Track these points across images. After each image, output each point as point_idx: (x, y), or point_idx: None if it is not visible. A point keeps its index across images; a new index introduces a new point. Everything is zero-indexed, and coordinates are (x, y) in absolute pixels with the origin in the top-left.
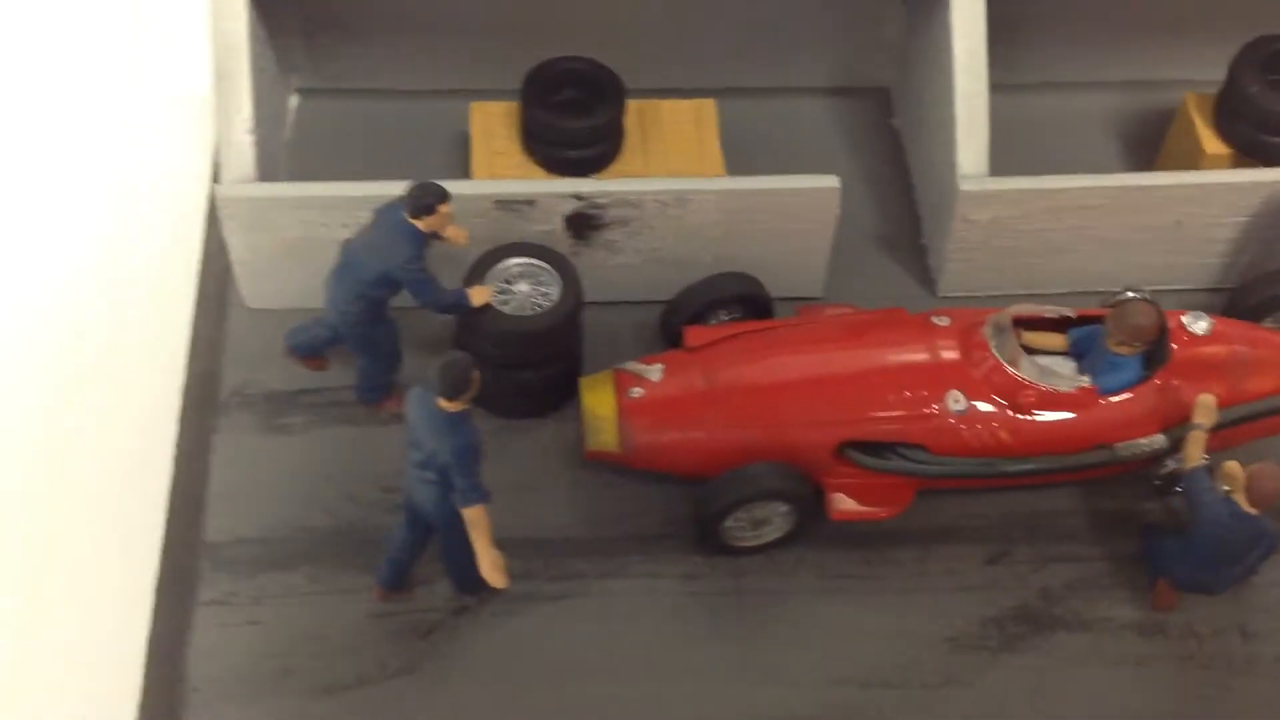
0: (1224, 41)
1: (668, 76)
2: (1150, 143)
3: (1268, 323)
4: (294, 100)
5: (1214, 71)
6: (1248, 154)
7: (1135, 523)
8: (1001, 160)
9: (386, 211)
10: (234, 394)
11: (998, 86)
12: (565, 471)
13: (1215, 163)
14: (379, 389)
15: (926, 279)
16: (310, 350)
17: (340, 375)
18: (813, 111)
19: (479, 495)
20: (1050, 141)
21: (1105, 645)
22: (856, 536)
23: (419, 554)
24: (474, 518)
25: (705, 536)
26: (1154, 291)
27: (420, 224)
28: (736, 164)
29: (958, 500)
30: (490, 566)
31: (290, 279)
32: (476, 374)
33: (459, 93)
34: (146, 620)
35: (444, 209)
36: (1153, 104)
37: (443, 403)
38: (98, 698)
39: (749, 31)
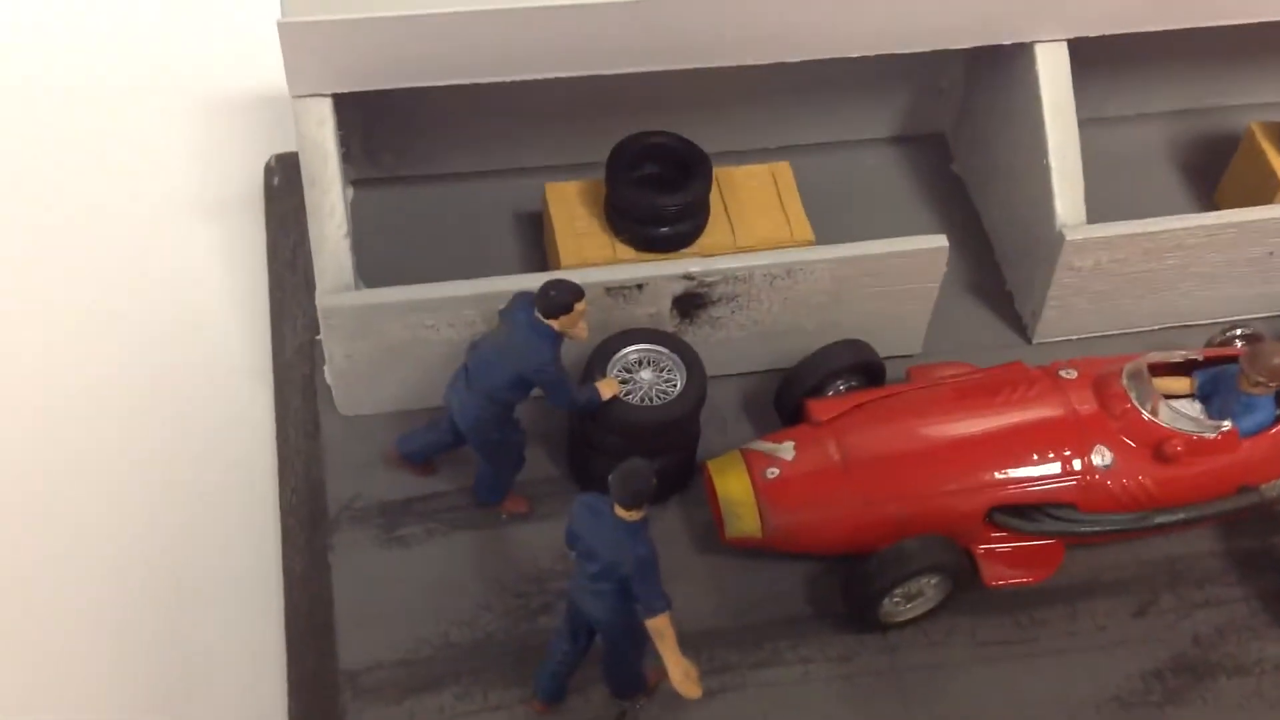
0: (1270, 66)
1: (731, 138)
2: (1205, 168)
3: None
4: (349, 192)
5: (1261, 96)
6: None
7: (1271, 558)
8: None
9: (516, 313)
10: (343, 509)
11: None
12: (697, 558)
13: None
14: (499, 491)
15: (1018, 325)
16: (423, 456)
17: (448, 478)
18: (872, 162)
19: (664, 604)
20: (1111, 176)
21: (1264, 688)
22: (1004, 599)
23: (581, 663)
24: (660, 628)
25: (860, 617)
26: (1248, 320)
27: (555, 324)
28: (812, 222)
29: (1096, 552)
30: (683, 677)
31: (389, 383)
32: (654, 481)
33: (518, 171)
34: None
35: (580, 306)
36: (1206, 130)
37: (622, 512)
38: None
39: (808, 90)
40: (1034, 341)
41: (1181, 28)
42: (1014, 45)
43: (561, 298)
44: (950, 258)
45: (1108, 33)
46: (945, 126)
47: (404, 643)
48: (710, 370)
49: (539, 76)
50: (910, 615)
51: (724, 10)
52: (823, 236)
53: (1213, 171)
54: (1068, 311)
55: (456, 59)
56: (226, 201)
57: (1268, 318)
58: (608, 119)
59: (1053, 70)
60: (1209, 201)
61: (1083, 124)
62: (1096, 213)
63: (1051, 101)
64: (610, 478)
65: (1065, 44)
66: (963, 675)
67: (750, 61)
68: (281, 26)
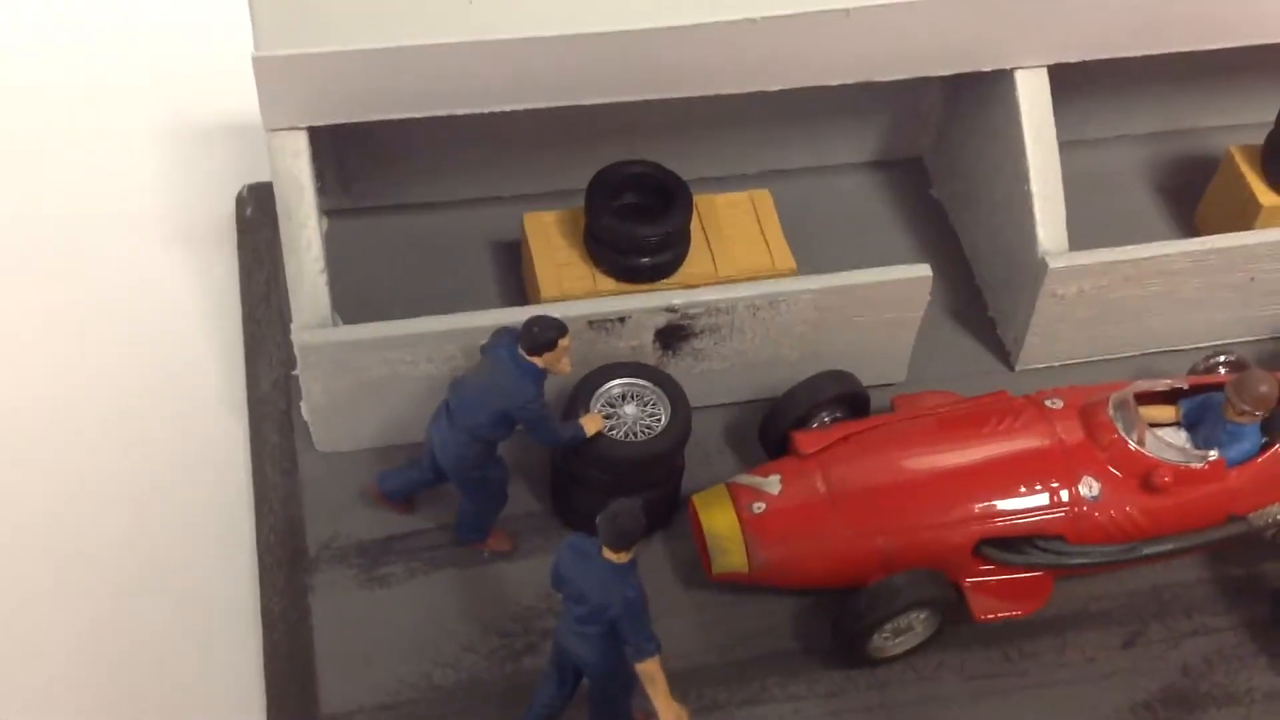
0: (1251, 90)
1: (710, 164)
2: (1184, 190)
3: None
4: (324, 224)
5: (1240, 117)
6: None
7: (1259, 587)
8: None
9: (498, 348)
10: (323, 548)
11: None
12: (683, 593)
13: (1273, 214)
14: (481, 529)
15: (1000, 352)
16: (405, 494)
17: (429, 516)
18: (850, 186)
19: (654, 647)
20: (1090, 197)
21: (1256, 717)
22: (992, 632)
23: (568, 705)
24: (650, 671)
25: (849, 653)
26: (1229, 345)
27: (539, 360)
28: (792, 249)
29: (1081, 582)
30: (671, 716)
31: (366, 420)
32: (644, 521)
33: (494, 200)
34: None
35: (563, 343)
36: (1184, 152)
37: (610, 554)
38: None
39: (786, 116)
40: (1017, 368)
41: (1159, 53)
42: (994, 71)
43: (545, 334)
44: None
45: (1087, 58)
46: (924, 151)
47: (386, 685)
48: (693, 401)
49: (515, 107)
50: (899, 650)
51: (702, 41)
52: (803, 263)
53: (1192, 193)
54: (1051, 338)
55: (432, 91)
56: (198, 230)
57: (1249, 342)
58: (586, 147)
59: (1033, 96)
60: (1188, 223)
61: (1063, 146)
62: (1076, 235)
63: (1033, 127)
64: (599, 519)
65: (1045, 70)
66: (953, 710)
67: (729, 91)
68: (256, 61)
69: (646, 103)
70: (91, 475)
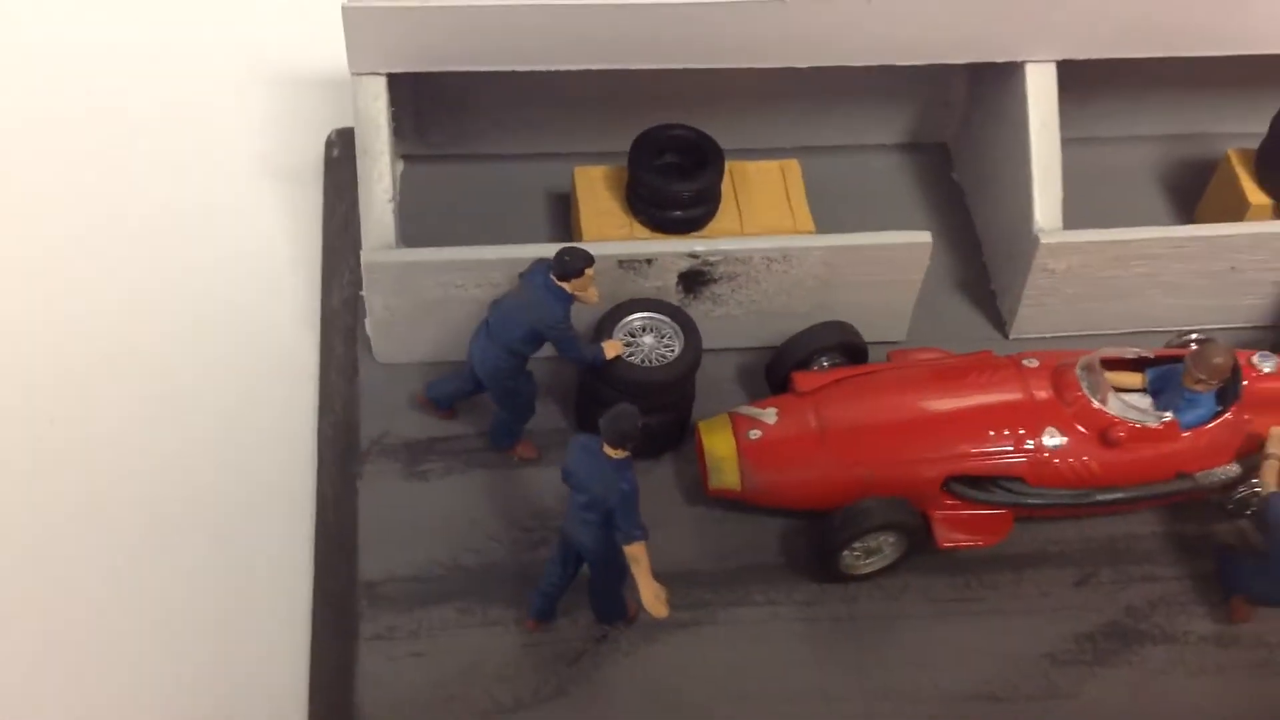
0: (1257, 97)
1: (749, 136)
2: (1189, 191)
3: None
4: (399, 166)
5: (1247, 125)
6: None
7: (1207, 544)
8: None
9: (533, 275)
10: (374, 444)
11: None
12: (685, 508)
13: (1259, 213)
14: (512, 436)
15: (998, 321)
16: (448, 401)
17: (467, 423)
18: (880, 166)
19: (641, 533)
20: (1099, 192)
21: (1187, 656)
22: (956, 563)
23: (569, 587)
24: (636, 554)
25: (823, 567)
26: (1210, 330)
27: (567, 286)
28: (817, 217)
29: (1045, 528)
30: (653, 598)
31: (421, 336)
32: (640, 424)
33: (554, 156)
34: (305, 656)
35: (589, 272)
36: (1192, 155)
37: (609, 450)
38: None
39: (822, 95)
40: (1010, 337)
41: (1161, 56)
42: (1008, 64)
43: (574, 263)
44: (944, 257)
45: (1093, 57)
46: (949, 137)
47: (418, 562)
48: (711, 343)
49: (574, 67)
50: (870, 569)
51: (737, 17)
52: (825, 231)
53: (1197, 193)
54: (1042, 311)
55: (501, 47)
56: (290, 169)
57: (1230, 328)
58: (637, 112)
59: (1040, 88)
60: (1189, 220)
61: (1078, 142)
62: (1083, 224)
63: (1038, 116)
64: (601, 420)
65: (1054, 65)
66: (914, 626)
67: (759, 64)
68: (345, 10)
69: (696, 76)
70: (184, 375)
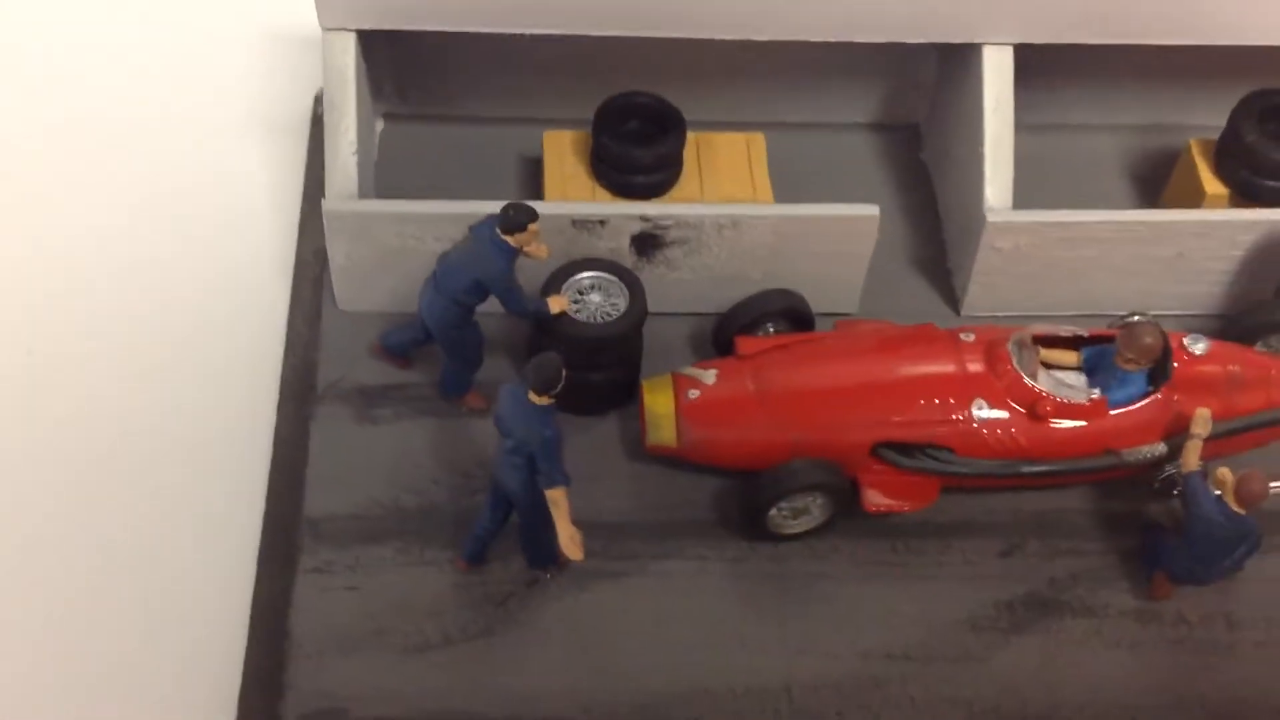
0: (1225, 90)
1: (721, 110)
2: (1157, 180)
3: (1259, 346)
4: (379, 124)
5: (1215, 118)
6: (1243, 195)
7: (1136, 521)
8: (1023, 194)
9: (481, 228)
10: (329, 388)
11: (1022, 126)
12: (626, 463)
13: (1214, 202)
14: (461, 386)
15: (952, 299)
16: (401, 350)
17: (422, 372)
18: (851, 144)
19: (562, 479)
20: (1068, 178)
21: (1105, 629)
22: (886, 528)
23: (499, 531)
24: (556, 498)
25: (751, 524)
26: (1158, 315)
27: (511, 240)
28: (783, 191)
29: (977, 498)
30: (569, 540)
31: (381, 285)
32: (564, 373)
33: (529, 120)
34: (250, 583)
35: (533, 227)
36: (1161, 145)
37: (534, 397)
38: (209, 649)
39: (795, 72)
40: (962, 313)
41: (1115, 43)
42: (968, 46)
43: (518, 217)
44: (906, 234)
45: (1049, 41)
46: (920, 118)
47: (360, 501)
48: (665, 307)
49: (540, 31)
50: (798, 530)
51: None
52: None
53: (1164, 181)
54: (992, 289)
55: (469, 8)
56: (280, 124)
57: (1181, 315)
58: (613, 81)
59: (996, 71)
60: (1155, 207)
61: (1053, 128)
62: (1050, 207)
63: (992, 98)
64: (526, 367)
65: (1011, 49)
66: (838, 586)
67: (720, 36)
68: None
69: (670, 47)
70: (155, 308)
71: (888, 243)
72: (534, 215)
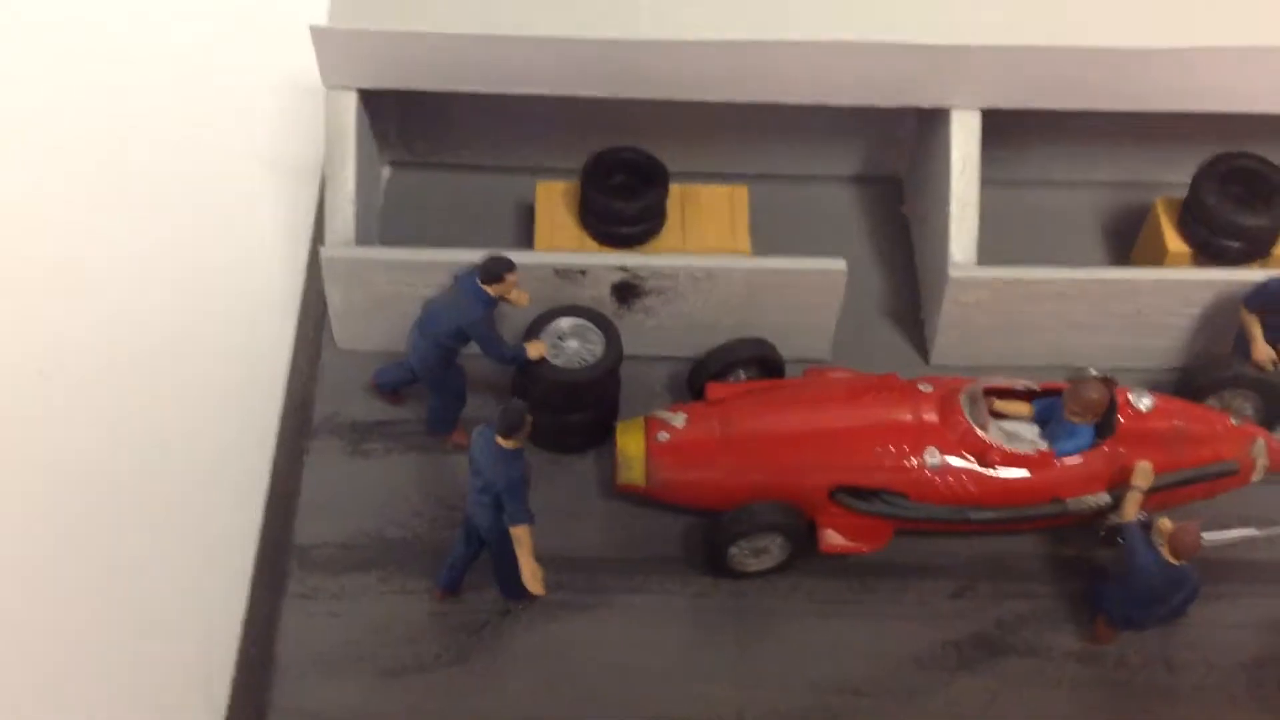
0: (1196, 150)
1: (709, 163)
2: (1130, 236)
3: (1212, 401)
4: (386, 171)
5: (1186, 176)
6: (1204, 253)
7: (1085, 566)
8: (997, 248)
9: (464, 277)
10: (325, 421)
11: (1001, 182)
12: (600, 501)
13: (1176, 260)
14: (446, 424)
15: (923, 349)
16: (393, 387)
17: (413, 410)
18: (834, 197)
19: (525, 517)
20: (1044, 233)
21: (1048, 670)
22: (844, 568)
23: (472, 563)
24: (519, 535)
25: (713, 562)
26: (1117, 370)
27: (490, 289)
28: (768, 242)
29: (932, 542)
30: (530, 576)
31: (377, 326)
32: (529, 418)
33: (528, 170)
34: (242, 606)
35: (510, 278)
36: (1135, 202)
37: (500, 440)
38: (199, 669)
39: (780, 127)
40: (931, 363)
41: (1076, 109)
42: (941, 109)
43: (496, 268)
44: (883, 285)
45: (1012, 107)
46: (901, 172)
47: (348, 531)
48: (644, 351)
49: (529, 92)
50: (759, 568)
51: (678, 56)
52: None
53: (1135, 238)
54: (958, 341)
55: (462, 71)
56: (293, 169)
57: (1141, 370)
58: (608, 135)
59: (964, 133)
60: (1126, 263)
61: (1030, 184)
62: (1024, 262)
63: (959, 160)
64: (496, 412)
65: (978, 113)
66: (795, 622)
67: (704, 98)
68: (313, 30)
69: (660, 105)
70: (172, 346)
71: (865, 293)
72: (511, 266)
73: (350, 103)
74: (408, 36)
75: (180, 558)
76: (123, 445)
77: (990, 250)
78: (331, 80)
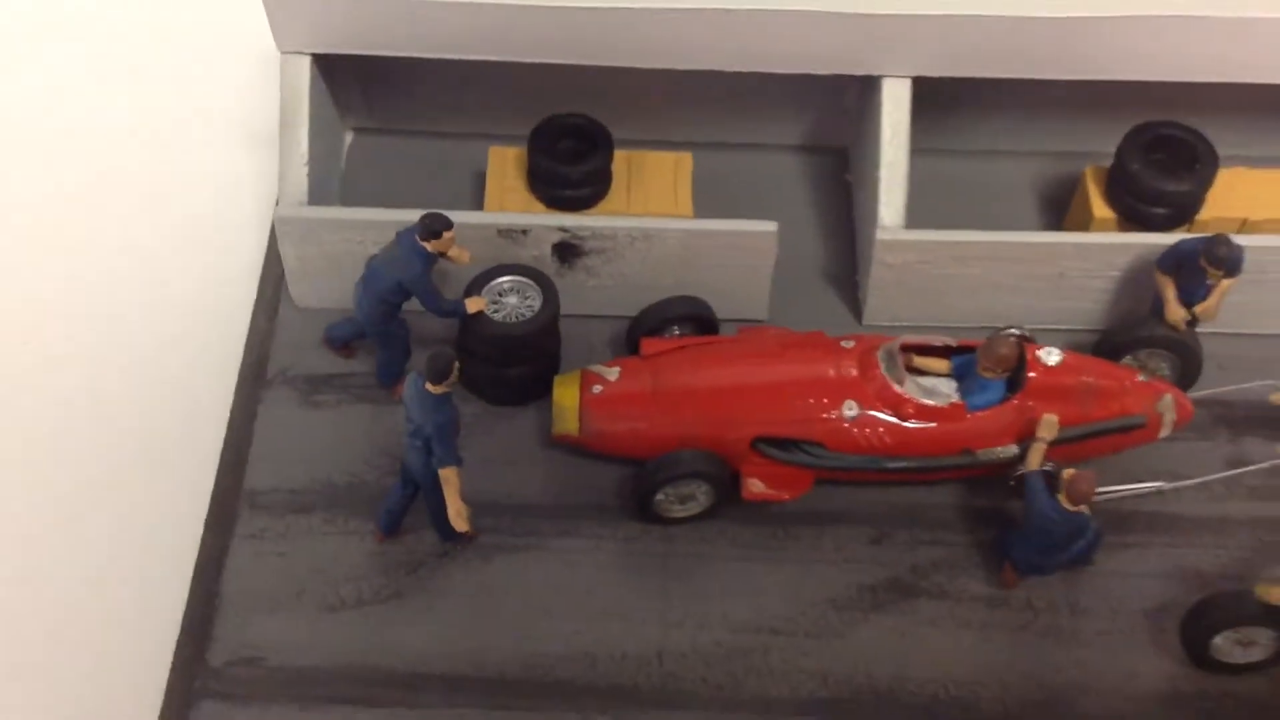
0: (1129, 120)
1: (659, 131)
2: (1064, 204)
3: (1129, 360)
4: (349, 137)
5: (1116, 145)
6: (1128, 219)
7: (999, 516)
8: (937, 215)
9: (404, 234)
10: (279, 374)
11: (940, 151)
12: (538, 451)
13: (1103, 225)
14: (393, 376)
15: (857, 309)
16: (343, 342)
17: (364, 364)
18: (782, 165)
19: (452, 460)
20: (981, 201)
21: (957, 612)
22: (767, 516)
23: (409, 506)
24: (447, 476)
25: (641, 507)
26: (1043, 330)
27: (429, 246)
28: (713, 209)
29: (852, 491)
30: (455, 514)
31: (331, 284)
32: (457, 365)
33: (485, 136)
34: (195, 547)
35: (448, 235)
36: (1071, 171)
37: (429, 386)
38: (155, 603)
39: (731, 97)
40: (864, 324)
41: (1006, 77)
42: (869, 77)
43: (434, 225)
44: (823, 249)
45: (942, 75)
46: (847, 141)
47: (296, 478)
48: (586, 310)
49: (474, 58)
50: (686, 514)
51: (620, 22)
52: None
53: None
54: (888, 301)
55: (413, 36)
56: (261, 135)
57: (1064, 330)
58: (561, 102)
59: (894, 101)
60: (1060, 229)
61: (974, 154)
62: (960, 228)
63: (889, 127)
64: (424, 359)
65: (909, 81)
66: (718, 565)
67: (642, 65)
68: None
69: (612, 73)
70: (141, 303)
71: (806, 256)
72: (448, 224)
73: (304, 67)
74: (358, 2)
75: (141, 503)
76: (89, 398)
77: (931, 217)
78: (285, 45)
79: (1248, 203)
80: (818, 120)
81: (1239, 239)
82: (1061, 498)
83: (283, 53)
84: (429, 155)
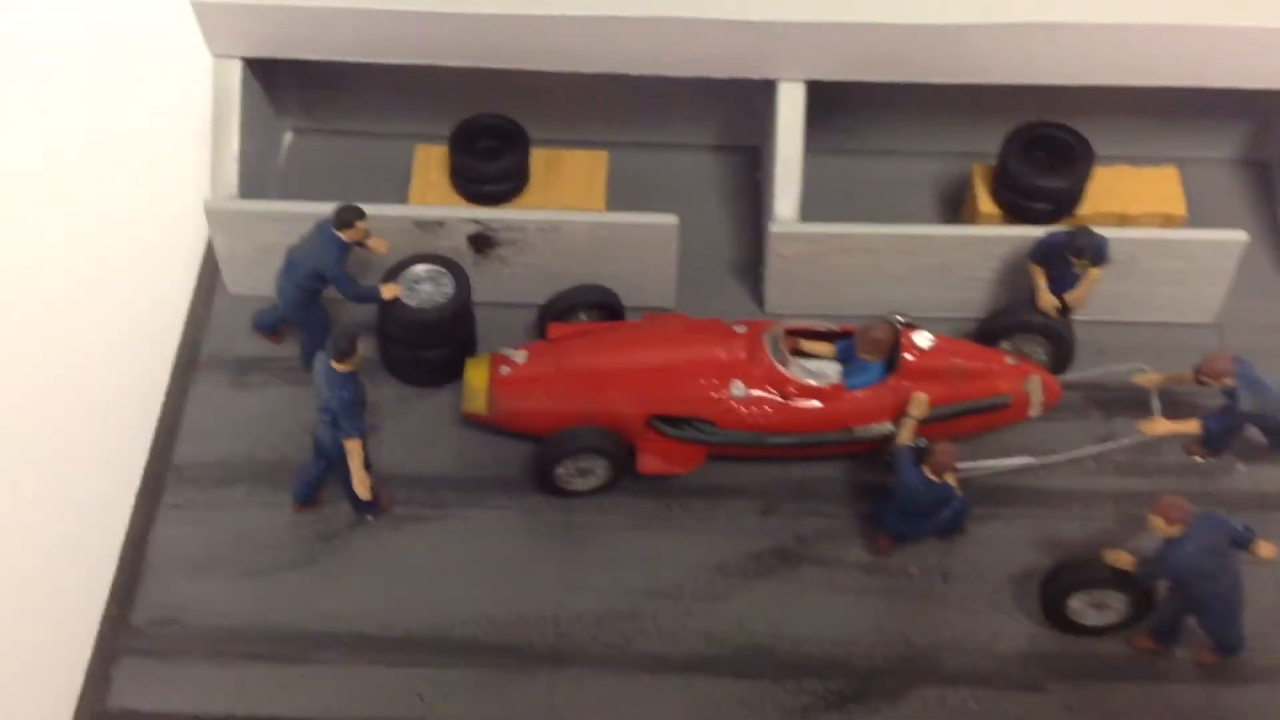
0: (1013, 121)
1: (581, 131)
2: (959, 201)
3: (1006, 345)
4: (289, 136)
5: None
6: (1011, 214)
7: (880, 490)
8: (839, 212)
9: (321, 224)
10: (212, 357)
11: (844, 151)
12: (452, 429)
13: (988, 220)
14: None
15: (760, 299)
16: (271, 327)
17: (293, 348)
18: (697, 164)
19: (355, 432)
20: (882, 199)
21: (836, 578)
22: (664, 489)
23: (323, 479)
24: (351, 447)
25: (542, 480)
26: (929, 318)
27: (343, 235)
28: (628, 205)
29: (745, 466)
30: (359, 484)
31: (262, 273)
32: (359, 344)
33: (416, 136)
34: (126, 516)
35: (360, 224)
36: (965, 171)
37: (334, 364)
38: (85, 567)
39: (646, 98)
40: (766, 311)
41: (893, 81)
42: (766, 80)
43: (346, 215)
44: (731, 242)
45: (834, 79)
46: (758, 141)
47: (221, 451)
48: (501, 299)
49: (395, 62)
50: (584, 488)
51: (527, 29)
52: None
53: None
54: (785, 290)
55: (337, 41)
56: (207, 136)
57: (949, 318)
58: (486, 103)
59: (789, 103)
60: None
61: (876, 154)
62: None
63: (784, 128)
64: (329, 338)
65: (803, 84)
66: (615, 535)
67: (549, 68)
68: (194, 3)
69: (534, 75)
70: (86, 294)
71: (715, 249)
72: (361, 214)
73: (235, 69)
74: (283, 9)
75: (74, 474)
76: (33, 377)
77: (833, 214)
78: (217, 49)
79: (1125, 198)
80: (731, 121)
81: (1108, 231)
82: (925, 469)
83: (214, 56)
84: (363, 154)
